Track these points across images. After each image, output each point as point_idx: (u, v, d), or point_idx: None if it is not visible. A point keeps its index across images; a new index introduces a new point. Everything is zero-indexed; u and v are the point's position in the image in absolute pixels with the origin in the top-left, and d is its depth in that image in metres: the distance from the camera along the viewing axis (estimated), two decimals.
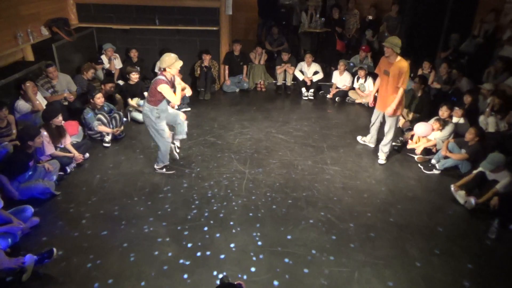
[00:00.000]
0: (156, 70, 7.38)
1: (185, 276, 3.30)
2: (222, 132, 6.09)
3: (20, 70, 5.34)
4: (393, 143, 5.76)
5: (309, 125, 6.46)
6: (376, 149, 5.52)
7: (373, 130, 5.55)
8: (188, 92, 4.68)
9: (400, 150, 5.66)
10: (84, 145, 5.24)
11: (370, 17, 8.97)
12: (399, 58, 4.78)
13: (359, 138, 5.87)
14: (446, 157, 5.06)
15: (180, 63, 4.35)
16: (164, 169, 4.90)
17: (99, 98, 5.47)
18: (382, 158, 5.30)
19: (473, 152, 4.85)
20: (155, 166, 4.89)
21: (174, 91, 4.42)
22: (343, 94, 7.60)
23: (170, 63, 4.28)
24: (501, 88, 6.05)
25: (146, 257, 3.50)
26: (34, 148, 4.26)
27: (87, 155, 5.16)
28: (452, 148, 5.08)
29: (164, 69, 4.36)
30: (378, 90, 5.25)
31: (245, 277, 3.30)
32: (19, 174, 4.08)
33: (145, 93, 6.55)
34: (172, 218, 4.04)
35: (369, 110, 7.17)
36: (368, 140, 5.73)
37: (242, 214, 4.14)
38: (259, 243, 3.72)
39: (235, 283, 2.65)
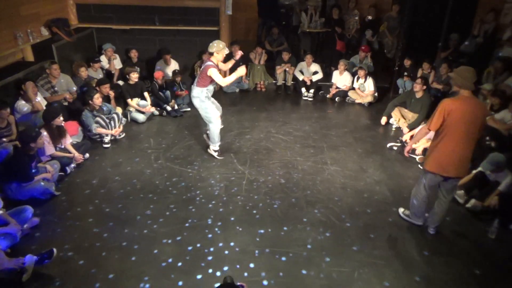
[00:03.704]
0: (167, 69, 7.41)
1: (186, 276, 3.30)
2: (221, 132, 6.06)
3: (20, 71, 5.34)
4: (392, 144, 5.79)
5: (309, 125, 6.46)
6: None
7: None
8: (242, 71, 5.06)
9: (400, 150, 5.66)
10: (84, 145, 5.24)
11: (370, 17, 8.97)
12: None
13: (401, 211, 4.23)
14: None
15: (226, 51, 4.87)
16: (216, 153, 5.27)
17: (97, 99, 5.47)
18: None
19: None
20: (211, 147, 5.29)
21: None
22: (343, 94, 7.60)
23: (219, 49, 4.79)
24: (501, 88, 6.05)
25: (146, 257, 3.50)
26: (36, 149, 4.26)
27: (87, 155, 5.16)
28: None
29: (212, 54, 4.84)
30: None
31: (245, 276, 3.29)
32: (23, 176, 4.07)
33: (145, 93, 6.58)
34: (172, 218, 4.04)
35: (369, 110, 7.20)
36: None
37: (242, 214, 4.14)
38: (259, 243, 3.72)
39: (237, 284, 2.65)
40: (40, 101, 5.24)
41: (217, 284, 3.11)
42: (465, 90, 3.42)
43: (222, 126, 5.27)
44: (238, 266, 3.42)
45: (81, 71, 6.22)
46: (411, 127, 5.97)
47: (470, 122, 3.37)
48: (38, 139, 4.16)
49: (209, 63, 4.83)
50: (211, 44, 4.85)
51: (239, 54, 5.26)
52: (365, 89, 7.40)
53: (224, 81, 4.92)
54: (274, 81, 8.14)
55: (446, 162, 3.51)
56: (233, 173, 4.93)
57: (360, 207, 4.33)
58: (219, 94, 7.88)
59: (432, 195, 3.85)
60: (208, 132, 5.23)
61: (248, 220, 4.04)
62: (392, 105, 6.37)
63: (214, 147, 5.27)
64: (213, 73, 4.75)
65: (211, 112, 5.01)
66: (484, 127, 3.50)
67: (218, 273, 3.33)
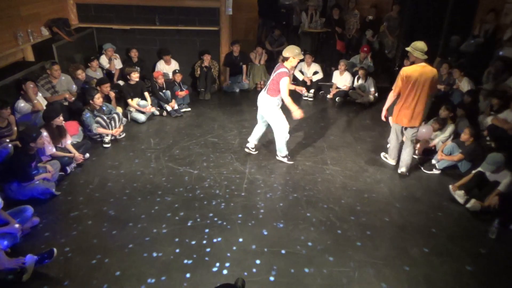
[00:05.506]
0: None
1: (186, 276, 3.30)
2: (222, 132, 6.10)
3: (20, 70, 5.33)
4: None
5: (309, 125, 6.46)
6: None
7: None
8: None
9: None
10: (84, 145, 5.24)
11: (370, 17, 8.98)
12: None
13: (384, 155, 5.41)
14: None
15: (301, 57, 4.69)
16: (286, 159, 5.20)
17: (98, 99, 5.48)
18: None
19: (469, 152, 4.86)
20: (278, 154, 5.22)
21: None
22: (344, 94, 7.60)
23: (294, 54, 4.56)
24: (501, 88, 6.06)
25: (146, 257, 3.50)
26: (36, 149, 4.26)
27: (87, 155, 5.16)
28: (452, 149, 5.07)
29: (286, 59, 4.59)
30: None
31: (246, 275, 3.29)
32: (23, 176, 4.07)
33: (146, 93, 6.58)
34: (172, 218, 4.04)
35: (369, 110, 7.20)
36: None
37: (242, 214, 4.14)
38: (260, 242, 3.72)
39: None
40: (40, 101, 5.24)
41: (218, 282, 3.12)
42: (420, 59, 4.42)
43: (288, 137, 5.05)
44: (238, 266, 3.42)
45: (78, 74, 6.19)
46: None
47: (422, 85, 4.41)
48: (38, 139, 4.16)
49: (282, 69, 4.57)
50: (286, 48, 4.60)
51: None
52: (365, 89, 7.40)
53: (286, 98, 4.62)
54: None
55: (405, 116, 4.64)
56: (233, 173, 4.93)
57: (360, 207, 4.33)
58: (219, 94, 7.90)
59: (400, 145, 4.98)
60: (276, 141, 5.09)
61: (249, 220, 4.04)
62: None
63: (281, 154, 5.16)
64: (283, 84, 4.53)
65: (280, 122, 4.84)
66: (434, 88, 4.63)
67: (218, 273, 3.33)
